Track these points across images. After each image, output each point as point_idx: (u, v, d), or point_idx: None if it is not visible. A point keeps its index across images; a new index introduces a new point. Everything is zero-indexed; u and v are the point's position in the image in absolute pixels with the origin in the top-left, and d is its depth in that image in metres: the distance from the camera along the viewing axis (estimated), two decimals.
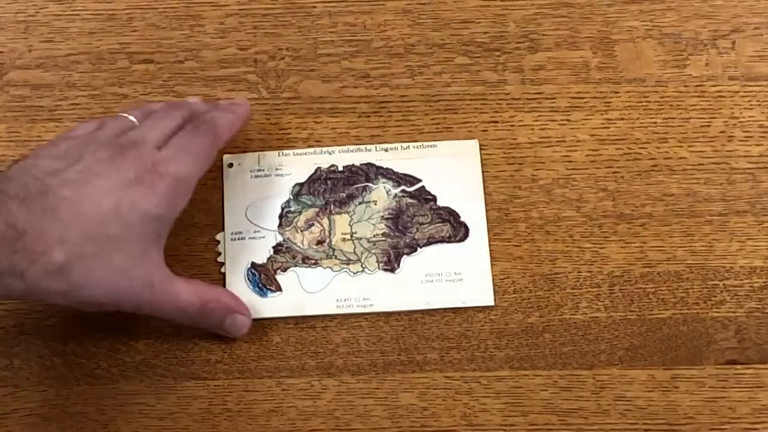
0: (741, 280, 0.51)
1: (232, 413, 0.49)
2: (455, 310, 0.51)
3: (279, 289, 0.50)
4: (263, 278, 0.50)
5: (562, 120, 0.54)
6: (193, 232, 0.51)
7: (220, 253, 0.51)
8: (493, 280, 0.51)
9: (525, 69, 0.55)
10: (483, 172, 0.53)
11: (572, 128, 0.54)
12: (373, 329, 0.51)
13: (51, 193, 0.42)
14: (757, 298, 0.51)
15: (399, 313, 0.50)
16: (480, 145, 0.53)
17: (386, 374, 0.50)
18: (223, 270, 0.51)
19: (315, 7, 0.56)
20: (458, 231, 0.51)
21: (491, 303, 0.50)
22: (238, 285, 0.50)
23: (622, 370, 0.50)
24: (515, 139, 0.54)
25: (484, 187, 0.52)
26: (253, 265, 0.51)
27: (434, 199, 0.52)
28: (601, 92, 0.54)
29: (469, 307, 0.51)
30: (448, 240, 0.51)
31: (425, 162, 0.52)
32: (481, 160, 0.53)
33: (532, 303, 0.51)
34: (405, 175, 0.52)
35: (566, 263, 0.51)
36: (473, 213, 0.51)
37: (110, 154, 0.45)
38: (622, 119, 0.54)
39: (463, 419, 0.49)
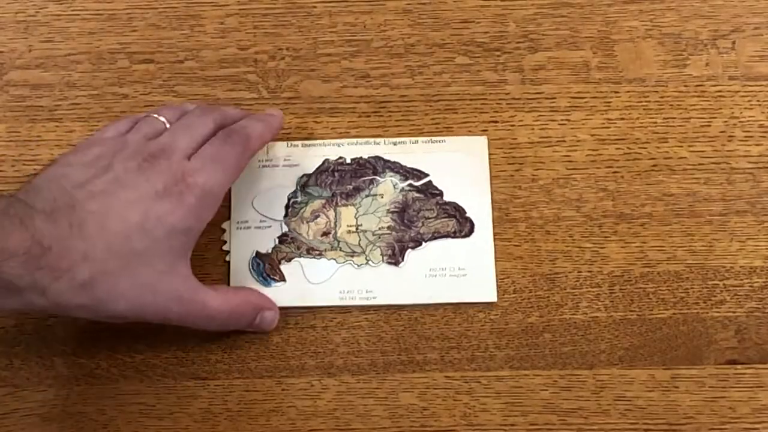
0: (741, 280, 0.51)
1: (232, 413, 0.49)
2: (455, 310, 0.51)
3: (283, 279, 0.50)
4: (267, 268, 0.51)
5: (562, 120, 0.54)
6: None
7: (225, 242, 0.51)
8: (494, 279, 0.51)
9: (525, 69, 0.55)
10: (489, 160, 0.53)
11: (572, 128, 0.54)
12: (373, 329, 0.51)
13: (78, 206, 0.42)
14: (757, 298, 0.51)
15: (401, 306, 0.50)
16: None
17: (386, 374, 0.50)
18: (227, 258, 0.51)
19: (315, 7, 0.56)
20: (464, 226, 0.51)
21: (494, 299, 0.50)
22: (242, 274, 0.50)
23: (622, 370, 0.50)
24: (515, 139, 0.54)
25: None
26: (258, 254, 0.51)
27: (441, 194, 0.52)
28: (601, 92, 0.54)
29: (470, 307, 0.51)
30: (454, 235, 0.51)
31: (433, 156, 0.52)
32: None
33: (532, 303, 0.51)
34: (412, 169, 0.52)
35: (566, 263, 0.51)
36: (479, 209, 0.51)
37: (139, 163, 0.44)
38: (622, 119, 0.54)
39: (463, 419, 0.49)
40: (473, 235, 0.51)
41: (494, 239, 0.52)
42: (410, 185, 0.52)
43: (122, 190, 0.43)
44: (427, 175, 0.52)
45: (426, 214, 0.51)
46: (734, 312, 0.51)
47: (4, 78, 0.55)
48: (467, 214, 0.51)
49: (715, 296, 0.51)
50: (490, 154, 0.53)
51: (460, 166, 0.52)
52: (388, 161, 0.52)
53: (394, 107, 0.54)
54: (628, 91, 0.54)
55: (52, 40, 0.56)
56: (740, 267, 0.51)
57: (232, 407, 0.50)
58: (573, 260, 0.52)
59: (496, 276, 0.51)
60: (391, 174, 0.52)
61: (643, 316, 0.51)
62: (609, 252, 0.52)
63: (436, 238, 0.51)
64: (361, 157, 0.52)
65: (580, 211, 0.52)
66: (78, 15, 0.56)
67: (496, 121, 0.54)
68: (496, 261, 0.51)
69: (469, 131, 0.54)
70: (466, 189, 0.52)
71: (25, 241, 0.40)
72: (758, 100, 0.54)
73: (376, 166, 0.52)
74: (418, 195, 0.52)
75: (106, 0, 0.57)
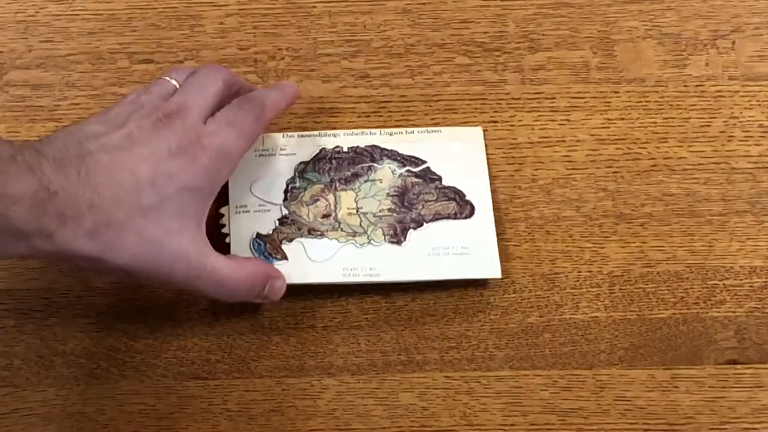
0: (741, 280, 0.51)
1: (232, 413, 0.49)
2: (455, 310, 0.51)
3: (285, 257, 0.50)
4: (269, 247, 0.50)
5: (562, 120, 0.54)
6: None
7: (224, 225, 0.51)
8: (494, 279, 0.51)
9: (525, 69, 0.55)
10: (488, 157, 0.53)
11: (572, 128, 0.54)
12: (373, 329, 0.51)
13: (89, 156, 0.42)
14: (757, 298, 0.51)
15: (405, 283, 0.50)
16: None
17: (386, 374, 0.50)
18: (227, 240, 0.50)
19: (315, 7, 0.56)
20: (464, 208, 0.51)
21: (498, 275, 0.50)
22: (244, 254, 0.50)
23: (622, 370, 0.50)
24: (515, 139, 0.54)
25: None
26: (259, 235, 0.50)
27: (439, 179, 0.51)
28: (601, 92, 0.54)
29: (470, 307, 0.51)
30: (455, 217, 0.51)
31: (430, 145, 0.52)
32: (486, 147, 0.53)
33: (532, 303, 0.51)
34: (410, 156, 0.52)
35: (566, 263, 0.51)
36: (479, 193, 0.51)
37: (153, 122, 0.44)
38: (622, 119, 0.54)
39: (463, 419, 0.49)
40: (474, 216, 0.51)
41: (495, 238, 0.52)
42: (408, 171, 0.52)
43: (135, 146, 0.43)
44: (424, 161, 0.52)
45: (426, 198, 0.51)
46: (734, 312, 0.51)
47: (4, 78, 0.55)
48: (467, 198, 0.51)
49: (715, 296, 0.51)
50: (489, 154, 0.53)
51: (458, 154, 0.52)
52: (385, 149, 0.52)
53: (394, 107, 0.54)
54: (628, 91, 0.54)
55: (51, 40, 0.56)
56: (740, 267, 0.51)
57: (232, 407, 0.50)
58: (573, 260, 0.52)
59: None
60: (389, 161, 0.52)
61: (643, 316, 0.51)
62: (609, 252, 0.52)
63: (437, 220, 0.51)
64: (358, 146, 0.52)
65: (580, 211, 0.52)
66: (78, 15, 0.56)
67: (495, 121, 0.54)
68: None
69: None
70: (465, 174, 0.51)
71: (32, 186, 0.40)
72: (758, 100, 0.54)
73: (374, 153, 0.52)
74: (416, 180, 0.51)
75: (106, 0, 0.57)
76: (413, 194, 0.51)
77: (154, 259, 0.43)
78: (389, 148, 0.52)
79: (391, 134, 0.52)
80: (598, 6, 0.56)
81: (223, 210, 0.51)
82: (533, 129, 0.54)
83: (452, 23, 0.56)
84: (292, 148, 0.52)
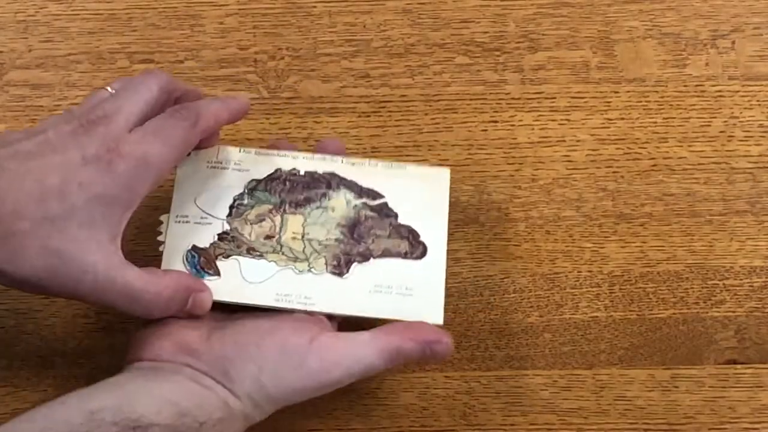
0: (741, 279, 0.51)
1: None
2: (455, 310, 0.51)
3: (218, 273, 0.47)
4: (202, 261, 0.47)
5: (562, 120, 0.54)
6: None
7: (161, 233, 0.48)
8: (493, 279, 0.51)
9: (525, 69, 0.55)
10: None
11: (572, 128, 0.54)
12: None
13: None
14: (757, 298, 0.51)
15: (341, 316, 0.47)
16: (480, 145, 0.53)
17: (386, 374, 0.50)
18: (161, 248, 0.48)
19: (315, 7, 0.56)
20: (416, 249, 0.48)
21: (440, 321, 0.46)
22: (175, 265, 0.48)
23: (622, 369, 0.50)
24: (515, 138, 0.54)
25: (483, 188, 0.53)
26: (194, 247, 0.48)
27: (395, 216, 0.49)
28: (601, 92, 0.54)
29: (470, 307, 0.51)
30: (405, 256, 0.48)
31: (392, 182, 0.49)
32: (451, 187, 0.49)
33: (531, 303, 0.51)
34: (368, 189, 0.49)
35: (566, 263, 0.52)
36: (434, 235, 0.48)
37: (74, 128, 0.42)
38: (622, 119, 0.54)
39: (462, 419, 0.49)
40: (425, 258, 0.48)
41: (494, 239, 0.52)
42: (364, 204, 0.49)
43: (50, 152, 0.41)
44: (382, 196, 0.49)
45: (377, 233, 0.48)
46: (734, 312, 0.51)
47: (4, 78, 0.55)
48: (421, 238, 0.48)
49: (715, 296, 0.51)
50: (489, 154, 0.53)
51: (419, 194, 0.49)
52: (344, 179, 0.49)
53: (394, 107, 0.54)
54: (628, 91, 0.54)
55: (51, 40, 0.56)
56: (740, 267, 0.51)
57: None
58: (573, 260, 0.52)
59: (496, 276, 0.51)
60: (346, 190, 0.49)
61: (643, 316, 0.51)
62: (609, 252, 0.52)
63: (385, 257, 0.48)
64: (316, 171, 0.49)
65: (580, 211, 0.52)
66: (78, 15, 0.56)
67: (496, 121, 0.54)
68: (495, 261, 0.51)
69: (469, 131, 0.54)
70: (422, 215, 0.49)
71: None
72: (758, 100, 0.54)
73: (331, 181, 0.49)
74: (371, 213, 0.49)
75: (106, 0, 0.57)
76: (364, 228, 0.48)
77: (58, 271, 0.41)
78: (348, 178, 0.49)
79: (353, 164, 0.49)
80: (598, 6, 0.56)
81: (162, 218, 0.48)
82: (533, 129, 0.54)
83: (452, 23, 0.56)
84: (247, 165, 0.49)
